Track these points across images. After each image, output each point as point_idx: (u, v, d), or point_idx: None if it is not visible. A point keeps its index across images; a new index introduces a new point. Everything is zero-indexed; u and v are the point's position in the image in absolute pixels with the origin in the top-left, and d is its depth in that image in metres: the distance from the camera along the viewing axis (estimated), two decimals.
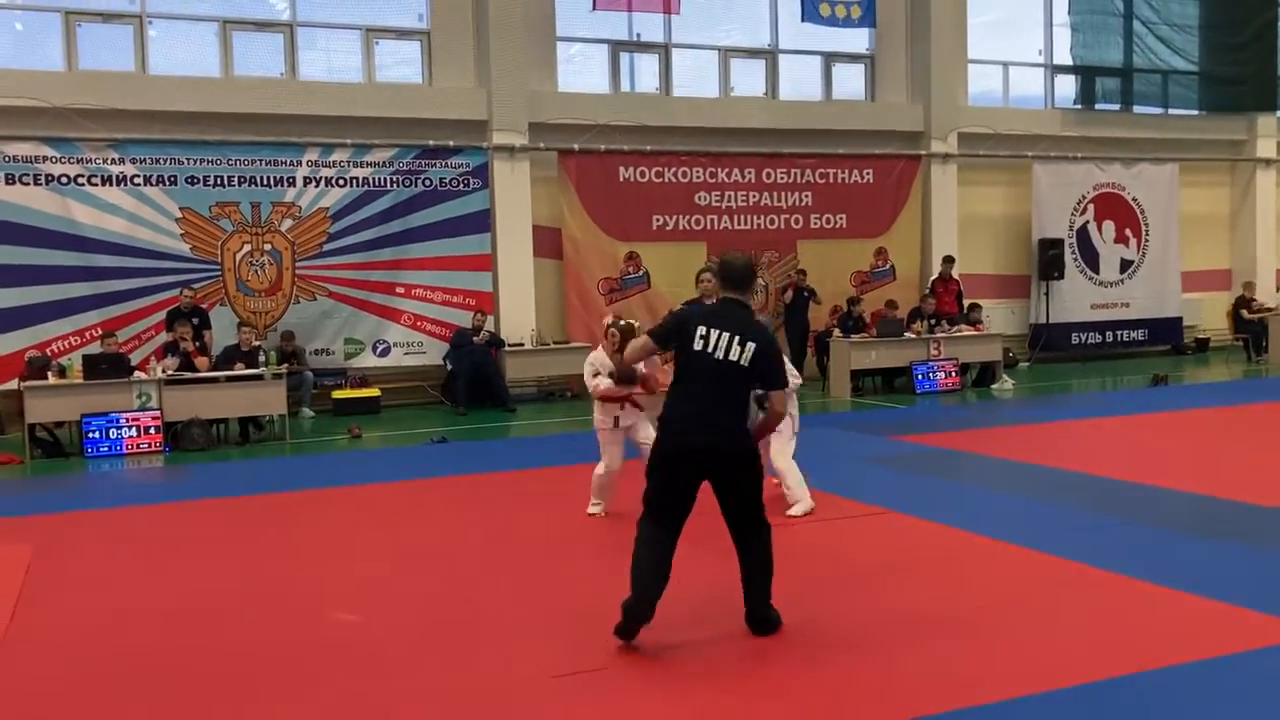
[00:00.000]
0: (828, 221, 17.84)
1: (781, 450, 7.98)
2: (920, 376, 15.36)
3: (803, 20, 17.20)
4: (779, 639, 5.29)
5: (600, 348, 7.92)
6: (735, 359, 5.15)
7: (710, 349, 5.16)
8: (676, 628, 5.39)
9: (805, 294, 16.63)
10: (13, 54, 14.24)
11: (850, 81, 18.54)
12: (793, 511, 7.88)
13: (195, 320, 13.32)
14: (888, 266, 18.21)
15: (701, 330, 5.19)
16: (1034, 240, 19.23)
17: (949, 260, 17.51)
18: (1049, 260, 18.99)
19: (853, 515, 7.97)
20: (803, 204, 17.66)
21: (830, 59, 18.28)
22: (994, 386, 15.97)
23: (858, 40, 18.40)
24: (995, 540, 7.07)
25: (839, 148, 17.80)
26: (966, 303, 17.27)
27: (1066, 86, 19.87)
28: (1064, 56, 19.68)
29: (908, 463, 10.03)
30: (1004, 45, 19.56)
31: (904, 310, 16.54)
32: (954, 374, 15.62)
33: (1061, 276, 19.13)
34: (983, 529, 7.34)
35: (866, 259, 18.11)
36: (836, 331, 15.96)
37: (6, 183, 13.51)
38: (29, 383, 12.06)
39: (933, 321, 16.21)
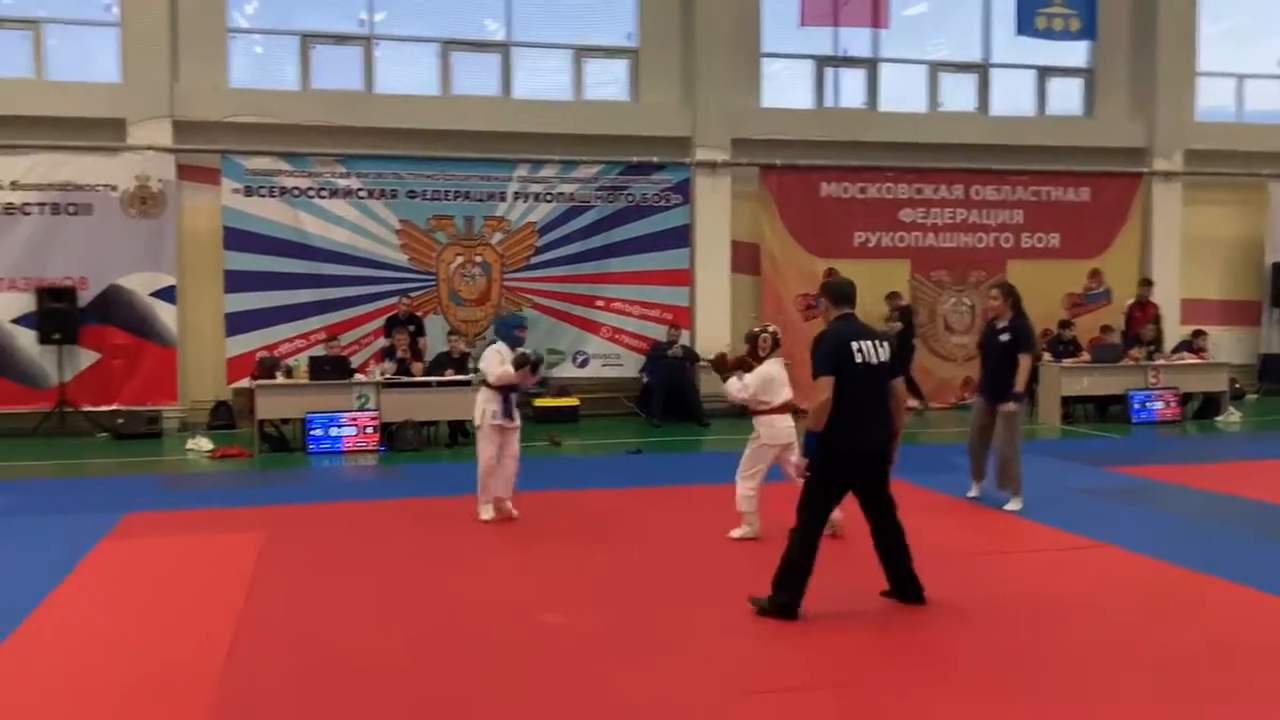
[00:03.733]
0: (1039, 241, 17.19)
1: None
2: (1137, 405, 14.57)
3: (1018, 33, 16.69)
4: (979, 673, 5.12)
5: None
6: (884, 359, 5.93)
7: (866, 359, 5.85)
8: (867, 648, 5.29)
9: (898, 314, 15.89)
10: (253, 75, 15.33)
11: (1066, 96, 17.82)
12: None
13: (412, 327, 13.96)
14: (1102, 289, 17.37)
15: (855, 345, 5.85)
16: (1267, 264, 17.97)
17: (1147, 283, 16.57)
18: None
19: (1066, 548, 7.62)
20: (1013, 222, 17.08)
21: (1045, 73, 17.63)
22: (1218, 419, 14.98)
23: (1075, 53, 17.67)
24: (1218, 578, 6.64)
25: (1053, 164, 17.13)
26: (1189, 328, 16.27)
27: None
28: None
29: (1124, 495, 9.52)
30: (1238, 56, 18.38)
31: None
32: (1174, 404, 14.75)
33: None
34: (1205, 567, 6.90)
35: (1080, 280, 17.33)
36: (1046, 356, 15.31)
37: (245, 194, 14.53)
38: (259, 382, 12.89)
39: (1151, 348, 15.35)
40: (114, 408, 14.11)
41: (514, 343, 8.67)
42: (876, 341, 5.95)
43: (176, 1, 14.44)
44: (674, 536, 8.04)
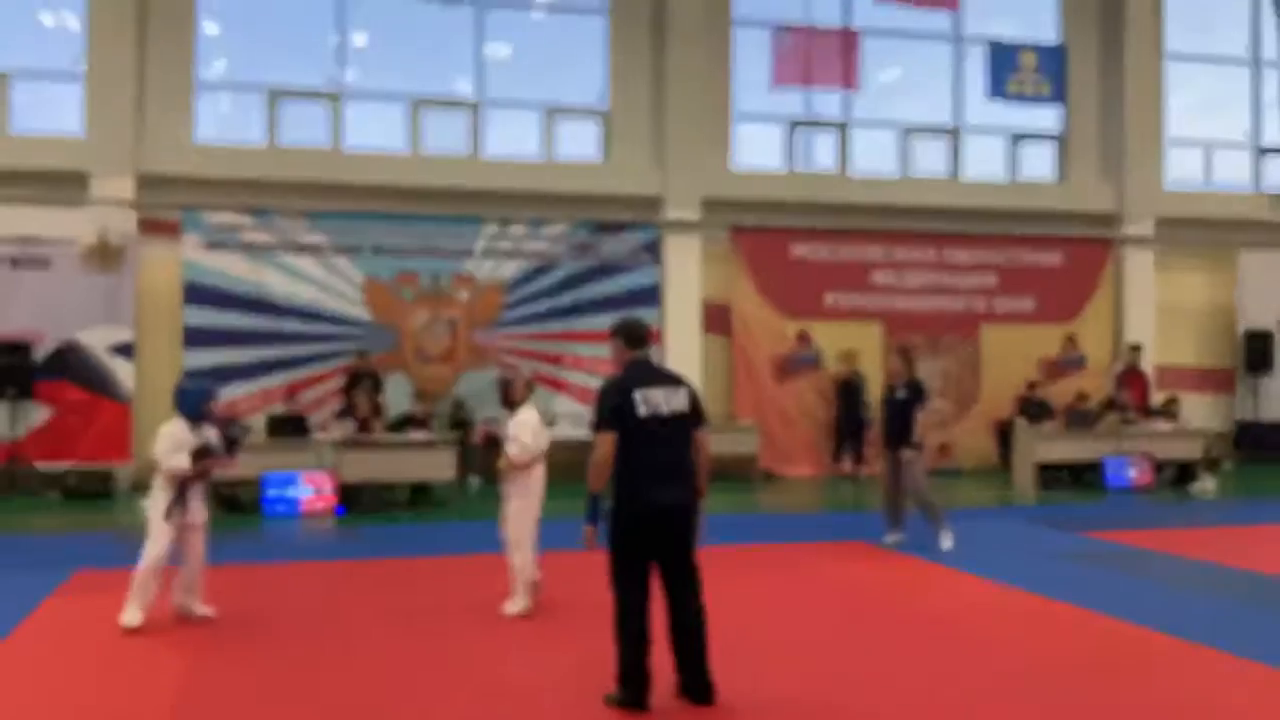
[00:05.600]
0: (1012, 305, 17.14)
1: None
2: (1111, 471, 14.37)
3: (989, 96, 16.81)
4: None
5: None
6: (679, 408, 5.33)
7: (655, 410, 5.25)
8: None
9: (853, 385, 15.68)
10: (219, 130, 15.17)
11: (1038, 161, 17.91)
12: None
13: (368, 383, 13.67)
14: (1078, 355, 17.30)
15: (640, 395, 5.26)
16: (1239, 332, 17.96)
17: (1136, 349, 16.49)
18: (1256, 354, 17.66)
19: (1040, 612, 7.37)
20: (986, 286, 17.04)
21: (1017, 138, 17.72)
22: (1193, 486, 14.78)
23: (1047, 119, 17.81)
24: (1192, 643, 6.44)
25: (1025, 229, 17.15)
26: (1163, 395, 16.18)
27: (1276, 171, 18.67)
28: (1274, 138, 18.54)
29: (1098, 560, 9.29)
30: (1206, 127, 18.55)
31: (1094, 401, 15.60)
32: (1149, 471, 14.55)
33: (1271, 371, 17.75)
34: (1178, 631, 6.70)
35: (1055, 345, 17.27)
36: (1020, 420, 15.14)
37: (208, 249, 14.30)
38: None
39: (1127, 413, 15.21)
40: (67, 466, 13.70)
41: (200, 418, 7.04)
42: (670, 389, 5.34)
43: (144, 55, 14.34)
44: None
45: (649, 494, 5.20)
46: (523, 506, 7.27)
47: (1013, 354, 16.88)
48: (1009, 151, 17.71)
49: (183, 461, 6.84)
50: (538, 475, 7.32)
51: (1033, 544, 10.17)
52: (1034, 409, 15.23)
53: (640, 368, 5.43)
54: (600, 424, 5.27)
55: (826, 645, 6.52)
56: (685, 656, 5.30)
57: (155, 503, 6.93)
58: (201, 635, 6.73)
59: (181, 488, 6.92)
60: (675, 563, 5.32)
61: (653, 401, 5.25)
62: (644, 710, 5.16)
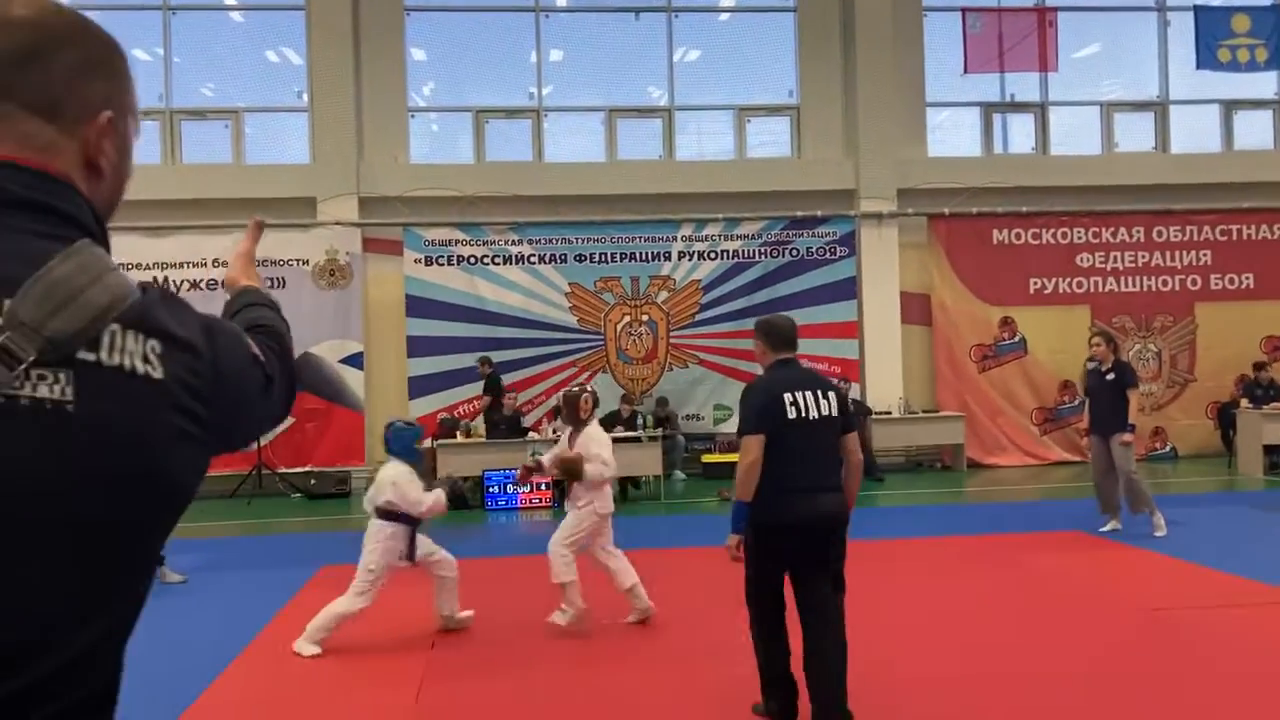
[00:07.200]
0: (1231, 282, 16.32)
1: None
2: None
3: (1198, 67, 16.05)
4: None
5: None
6: (828, 412, 4.95)
7: (804, 413, 4.88)
8: None
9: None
10: (431, 150, 16.12)
11: (1255, 130, 16.97)
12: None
13: (490, 385, 14.43)
14: None
15: (789, 398, 4.88)
16: None
17: None
18: None
19: (1274, 603, 7.14)
20: (1200, 263, 16.29)
21: (1231, 106, 16.85)
22: None
23: (1263, 83, 16.85)
24: None
25: (1243, 201, 16.29)
26: None
27: None
28: None
29: None
30: None
31: None
32: None
33: None
34: None
35: (1278, 322, 16.34)
36: (1244, 401, 14.46)
37: (425, 264, 15.22)
38: (441, 441, 13.38)
39: None
40: (307, 469, 14.87)
41: (415, 457, 6.99)
42: (819, 391, 4.95)
43: (361, 86, 15.38)
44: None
45: (796, 503, 4.83)
46: (582, 515, 6.96)
47: (1232, 333, 16.09)
48: (1223, 121, 16.86)
49: (440, 499, 6.73)
50: (604, 492, 7.05)
51: (1262, 530, 9.79)
52: (1259, 389, 14.50)
53: (787, 369, 5.05)
54: (747, 428, 4.91)
55: (1042, 637, 6.52)
56: (821, 684, 4.83)
57: (373, 552, 6.63)
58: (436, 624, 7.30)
59: (411, 531, 6.73)
60: (819, 577, 4.91)
61: (803, 404, 4.89)
62: None
